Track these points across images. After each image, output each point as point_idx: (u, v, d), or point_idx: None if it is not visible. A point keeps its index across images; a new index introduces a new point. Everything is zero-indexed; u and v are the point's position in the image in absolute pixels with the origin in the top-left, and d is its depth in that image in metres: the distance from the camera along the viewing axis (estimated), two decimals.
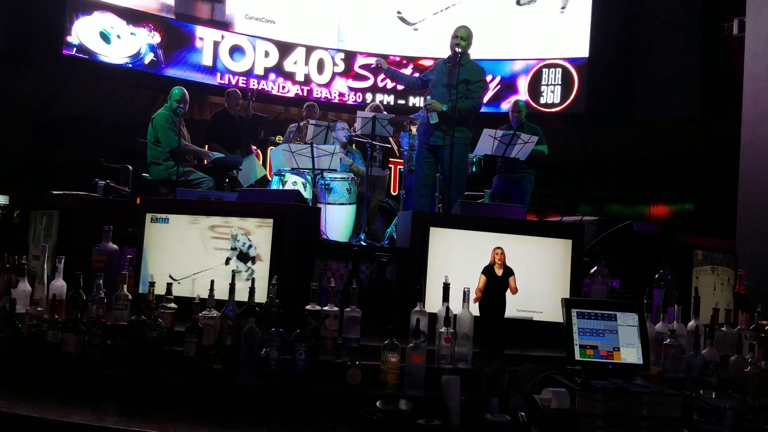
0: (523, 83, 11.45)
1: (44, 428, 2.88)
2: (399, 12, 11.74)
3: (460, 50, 5.51)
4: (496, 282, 3.89)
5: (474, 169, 6.71)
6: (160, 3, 10.63)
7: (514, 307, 3.97)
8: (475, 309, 3.67)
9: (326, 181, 6.19)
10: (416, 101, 11.12)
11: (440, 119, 5.55)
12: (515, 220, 4.48)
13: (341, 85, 11.69)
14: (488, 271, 3.91)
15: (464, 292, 3.51)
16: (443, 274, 3.68)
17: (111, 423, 2.87)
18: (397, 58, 11.49)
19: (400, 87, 11.16)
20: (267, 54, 11.27)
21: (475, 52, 5.84)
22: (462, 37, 5.57)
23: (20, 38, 9.58)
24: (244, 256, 4.03)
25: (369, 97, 11.56)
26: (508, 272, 3.93)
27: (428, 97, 5.69)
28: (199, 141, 7.44)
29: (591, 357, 3.20)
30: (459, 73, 5.43)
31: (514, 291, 3.96)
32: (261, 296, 3.60)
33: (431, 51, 10.96)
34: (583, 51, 11.35)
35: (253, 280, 3.58)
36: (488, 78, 10.51)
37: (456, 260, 4.03)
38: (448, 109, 5.46)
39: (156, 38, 10.48)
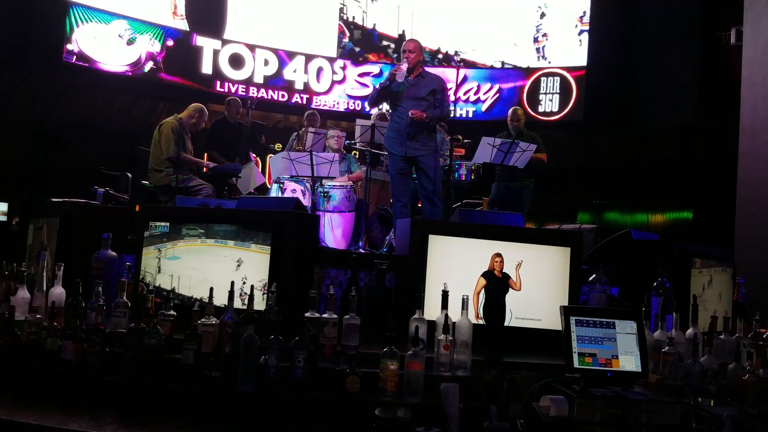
0: (521, 92, 11.51)
1: None
2: None
3: (410, 63, 5.49)
4: (497, 282, 3.89)
5: (472, 177, 6.72)
6: (159, 11, 10.68)
7: (513, 314, 3.98)
8: (474, 316, 3.68)
9: (325, 189, 6.20)
10: None
11: (416, 128, 5.47)
12: (514, 227, 4.49)
13: (340, 93, 11.73)
14: (488, 274, 3.93)
15: (463, 299, 3.51)
16: (442, 281, 3.68)
17: (110, 430, 2.87)
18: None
19: None
20: (266, 62, 11.32)
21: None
22: (410, 50, 5.55)
23: (20, 45, 9.62)
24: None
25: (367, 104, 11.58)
26: (507, 275, 3.96)
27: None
28: (198, 148, 7.46)
29: (589, 365, 3.20)
30: (422, 85, 5.51)
31: (518, 287, 4.00)
32: (260, 303, 3.61)
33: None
34: (581, 59, 11.40)
35: (252, 287, 3.58)
36: (488, 86, 10.60)
37: (455, 268, 4.03)
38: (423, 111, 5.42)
39: (156, 46, 10.53)
